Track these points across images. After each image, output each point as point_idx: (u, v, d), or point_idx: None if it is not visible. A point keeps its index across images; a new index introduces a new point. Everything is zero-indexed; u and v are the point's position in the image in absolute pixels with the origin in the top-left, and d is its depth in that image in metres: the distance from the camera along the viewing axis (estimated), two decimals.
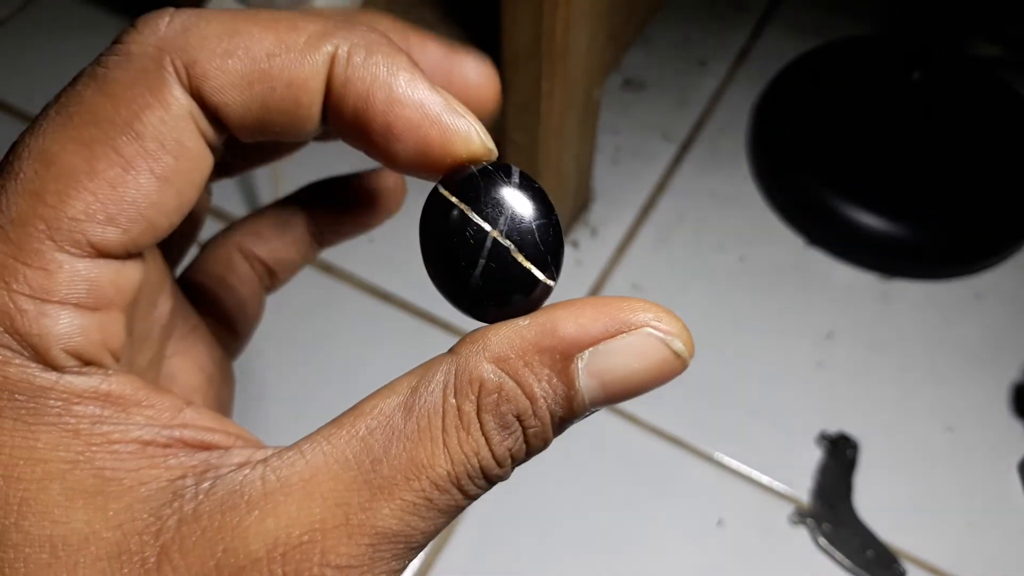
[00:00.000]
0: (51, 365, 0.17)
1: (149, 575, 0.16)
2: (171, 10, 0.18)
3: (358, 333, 0.70)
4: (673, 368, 0.19)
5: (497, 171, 0.18)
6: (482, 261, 0.18)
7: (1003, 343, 0.71)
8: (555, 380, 0.18)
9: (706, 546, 0.62)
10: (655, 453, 0.65)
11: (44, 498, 0.16)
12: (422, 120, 0.18)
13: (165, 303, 0.23)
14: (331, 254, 0.74)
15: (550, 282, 0.19)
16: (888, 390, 0.69)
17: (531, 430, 0.18)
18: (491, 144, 0.19)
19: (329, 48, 0.18)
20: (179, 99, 0.18)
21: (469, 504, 0.18)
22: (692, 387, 0.68)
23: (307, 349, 0.69)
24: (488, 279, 0.18)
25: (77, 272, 0.17)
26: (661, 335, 0.18)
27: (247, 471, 0.17)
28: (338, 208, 0.27)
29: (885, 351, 0.71)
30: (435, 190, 0.19)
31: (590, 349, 0.18)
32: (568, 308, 0.18)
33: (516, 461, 0.18)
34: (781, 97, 0.83)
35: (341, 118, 0.19)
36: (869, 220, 0.74)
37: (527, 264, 0.18)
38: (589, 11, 0.59)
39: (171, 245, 0.25)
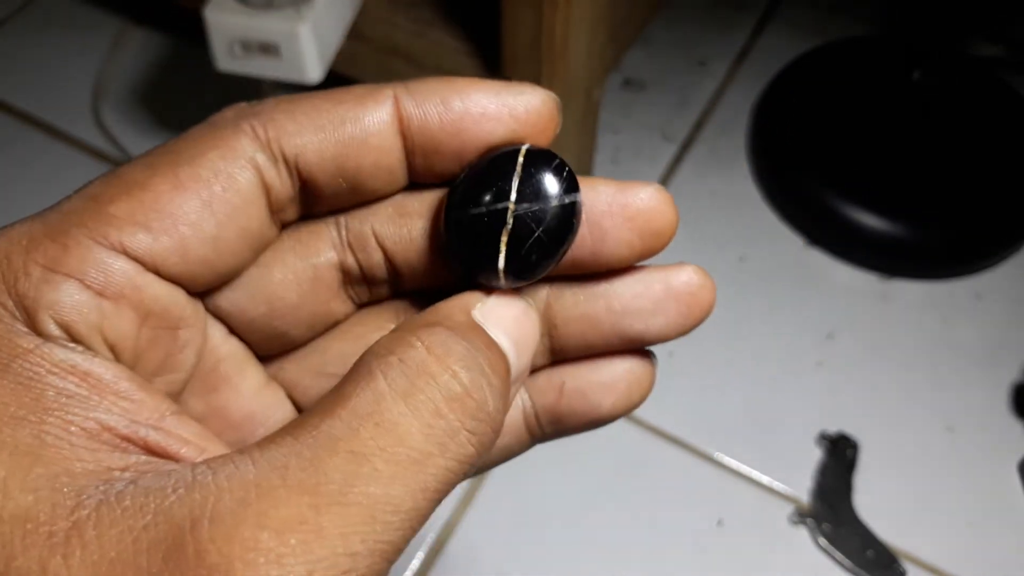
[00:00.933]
0: (38, 331, 0.17)
1: (54, 549, 0.15)
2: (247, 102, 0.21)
3: None
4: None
5: (568, 179, 0.20)
6: (483, 208, 0.20)
7: (1003, 343, 0.71)
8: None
9: (706, 546, 0.62)
10: (655, 453, 0.65)
11: None
12: (500, 96, 0.21)
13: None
14: None
15: (502, 280, 0.20)
16: (888, 390, 0.69)
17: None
18: (559, 103, 0.21)
19: (388, 90, 0.20)
20: (244, 145, 0.19)
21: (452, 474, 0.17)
22: (692, 387, 0.68)
23: None
24: (473, 223, 0.20)
25: (94, 255, 0.18)
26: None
27: (180, 468, 0.16)
28: None
29: (885, 351, 0.71)
30: (516, 146, 0.20)
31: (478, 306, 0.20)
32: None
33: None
34: (781, 97, 0.83)
35: (428, 131, 0.20)
36: (869, 220, 0.74)
37: (502, 247, 0.20)
38: (589, 11, 0.59)
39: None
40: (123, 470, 0.16)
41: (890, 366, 0.70)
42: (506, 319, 0.20)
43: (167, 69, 0.85)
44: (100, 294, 0.18)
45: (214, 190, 0.19)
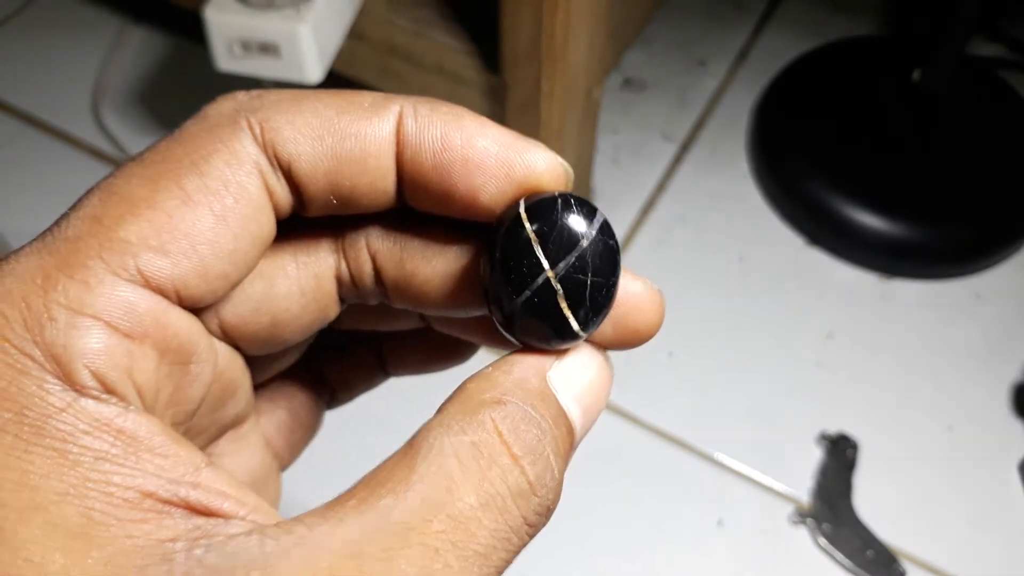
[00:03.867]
0: (72, 383, 0.16)
1: None
2: (244, 91, 0.20)
3: None
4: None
5: (581, 209, 0.19)
6: (527, 292, 0.18)
7: (1003, 343, 0.71)
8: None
9: (706, 546, 0.62)
10: (655, 453, 0.65)
11: (23, 531, 0.15)
12: (502, 150, 0.19)
13: (234, 407, 0.22)
14: None
15: (582, 335, 0.19)
16: (888, 390, 0.69)
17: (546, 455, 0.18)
18: (571, 172, 0.20)
19: (395, 107, 0.19)
20: (247, 148, 0.18)
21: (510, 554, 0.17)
22: (692, 387, 0.68)
23: None
24: (528, 309, 0.19)
25: (118, 292, 0.17)
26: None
27: (243, 539, 0.16)
28: (412, 344, 0.27)
29: (885, 351, 0.71)
30: (515, 207, 0.19)
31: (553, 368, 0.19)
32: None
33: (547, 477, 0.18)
34: (781, 97, 0.83)
35: (419, 167, 0.19)
36: (869, 220, 0.74)
37: (567, 313, 0.19)
38: (589, 11, 0.59)
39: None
40: (174, 540, 0.15)
41: (890, 366, 0.70)
42: (581, 384, 0.20)
43: (167, 69, 0.85)
44: (127, 336, 0.17)
45: (226, 203, 0.18)
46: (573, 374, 0.20)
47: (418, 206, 0.20)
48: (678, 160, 0.81)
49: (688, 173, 0.81)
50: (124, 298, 0.17)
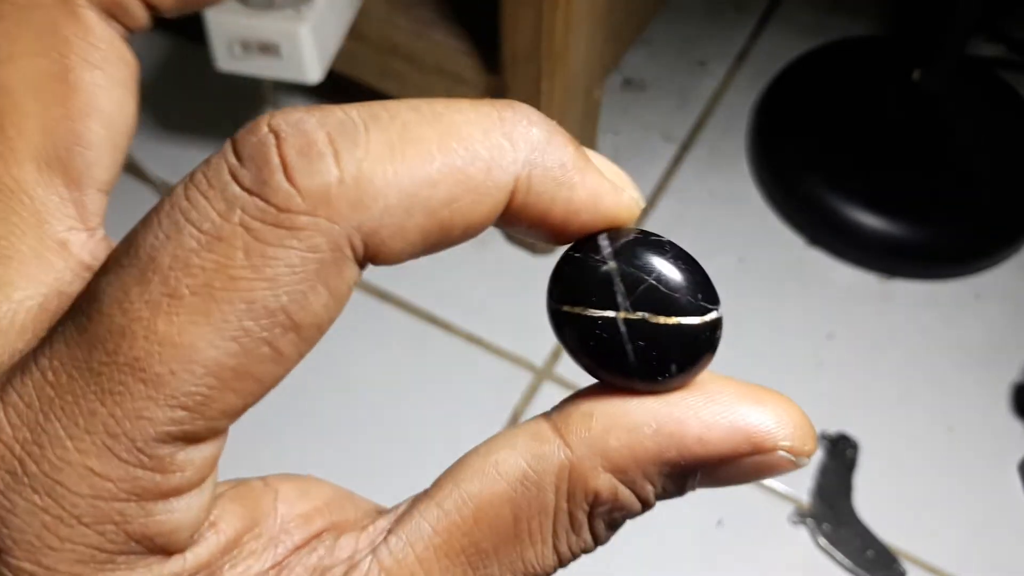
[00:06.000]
0: (178, 551, 0.16)
1: None
2: (327, 137, 0.14)
3: (357, 333, 0.70)
4: (784, 471, 0.18)
5: (648, 240, 0.18)
6: (628, 346, 0.17)
7: (1003, 343, 0.71)
8: (670, 484, 0.17)
9: (706, 546, 0.62)
10: None
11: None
12: (594, 216, 0.17)
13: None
14: None
15: (714, 314, 0.17)
16: (888, 390, 0.69)
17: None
18: (642, 204, 0.18)
19: (509, 181, 0.16)
20: (349, 279, 0.15)
21: None
22: None
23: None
24: (642, 356, 0.17)
25: (201, 458, 0.15)
26: (792, 457, 0.17)
27: (361, 571, 0.16)
28: None
29: (885, 351, 0.71)
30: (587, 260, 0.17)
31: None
32: (696, 412, 0.17)
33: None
34: (781, 97, 0.83)
35: (510, 227, 0.17)
36: (869, 220, 0.74)
37: (674, 321, 0.17)
38: (589, 11, 0.59)
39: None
40: None
41: (890, 366, 0.70)
42: None
43: (167, 69, 0.85)
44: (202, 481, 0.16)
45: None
46: None
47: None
48: (678, 160, 0.81)
49: (688, 173, 0.81)
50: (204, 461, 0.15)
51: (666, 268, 0.17)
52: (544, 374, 0.69)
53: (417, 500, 0.17)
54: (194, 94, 0.81)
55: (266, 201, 0.14)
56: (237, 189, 0.14)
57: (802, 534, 0.62)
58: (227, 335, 0.14)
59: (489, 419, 0.67)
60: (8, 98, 0.17)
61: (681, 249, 0.17)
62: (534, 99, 0.62)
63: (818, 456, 0.65)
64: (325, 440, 0.66)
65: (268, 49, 0.58)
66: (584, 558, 0.18)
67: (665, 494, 0.17)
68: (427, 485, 0.17)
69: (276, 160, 0.14)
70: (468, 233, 0.16)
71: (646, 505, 0.17)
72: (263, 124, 0.14)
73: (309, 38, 0.57)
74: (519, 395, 0.68)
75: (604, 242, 0.17)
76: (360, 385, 0.68)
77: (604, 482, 0.16)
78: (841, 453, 0.65)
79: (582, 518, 0.17)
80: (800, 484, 0.64)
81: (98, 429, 0.14)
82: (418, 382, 0.69)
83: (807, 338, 0.71)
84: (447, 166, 0.15)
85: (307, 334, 0.15)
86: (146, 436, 0.14)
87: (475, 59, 0.65)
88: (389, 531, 0.17)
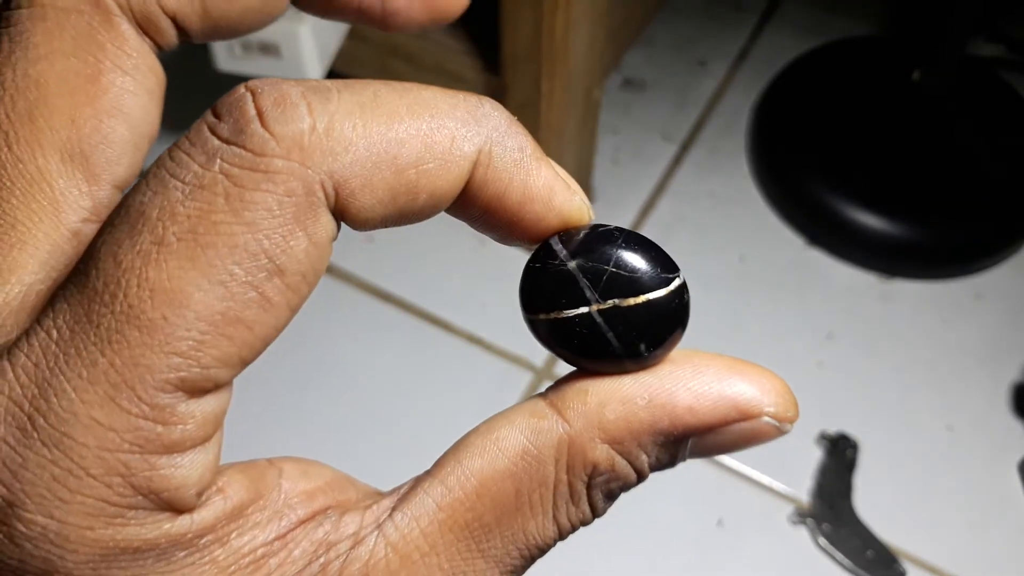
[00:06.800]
0: (185, 509, 0.16)
1: None
2: (301, 92, 0.15)
3: (357, 333, 0.70)
4: (770, 438, 0.19)
5: (600, 231, 0.18)
6: (609, 334, 0.18)
7: (1003, 343, 0.71)
8: (663, 454, 0.18)
9: (706, 546, 0.62)
10: None
11: None
12: (547, 211, 0.18)
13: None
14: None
15: (677, 282, 0.19)
16: (888, 390, 0.69)
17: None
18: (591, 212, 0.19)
19: (472, 152, 0.17)
20: (326, 226, 0.16)
21: None
22: None
23: (306, 349, 0.69)
24: (624, 339, 0.18)
25: (201, 412, 0.16)
26: (776, 423, 0.18)
27: (367, 547, 0.17)
28: None
29: (885, 351, 0.71)
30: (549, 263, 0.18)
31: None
32: (686, 384, 0.18)
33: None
34: (781, 97, 0.83)
35: (469, 208, 0.18)
36: (869, 220, 0.74)
37: (643, 299, 0.18)
38: (589, 11, 0.59)
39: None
40: (309, 564, 0.17)
41: (890, 366, 0.70)
42: None
43: (167, 69, 0.85)
44: (206, 440, 0.16)
45: (302, 294, 0.16)
46: None
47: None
48: (678, 160, 0.81)
49: (688, 173, 0.81)
50: (207, 414, 0.16)
51: (622, 253, 0.18)
52: (544, 374, 0.69)
53: (420, 479, 0.18)
54: (194, 94, 0.81)
55: (243, 147, 0.15)
56: (216, 141, 0.15)
57: (802, 534, 0.62)
58: (214, 279, 0.14)
59: None
60: (41, 91, 0.18)
61: (630, 232, 0.18)
62: (534, 99, 0.62)
63: (818, 456, 0.65)
64: (325, 440, 0.66)
65: (268, 49, 0.58)
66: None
67: (659, 464, 0.18)
68: None
69: (252, 111, 0.15)
70: (433, 202, 0.17)
71: (641, 475, 0.18)
72: (240, 86, 0.15)
73: (309, 38, 0.57)
74: (519, 395, 0.68)
75: (558, 245, 0.18)
76: (360, 385, 0.68)
77: (602, 453, 0.17)
78: (841, 453, 0.65)
79: (581, 489, 0.18)
80: (800, 484, 0.64)
81: (100, 379, 0.14)
82: (418, 382, 0.69)
83: (807, 338, 0.71)
84: (414, 128, 0.16)
85: (291, 280, 0.15)
86: (145, 384, 0.14)
87: (475, 59, 0.65)
88: (393, 508, 0.17)
